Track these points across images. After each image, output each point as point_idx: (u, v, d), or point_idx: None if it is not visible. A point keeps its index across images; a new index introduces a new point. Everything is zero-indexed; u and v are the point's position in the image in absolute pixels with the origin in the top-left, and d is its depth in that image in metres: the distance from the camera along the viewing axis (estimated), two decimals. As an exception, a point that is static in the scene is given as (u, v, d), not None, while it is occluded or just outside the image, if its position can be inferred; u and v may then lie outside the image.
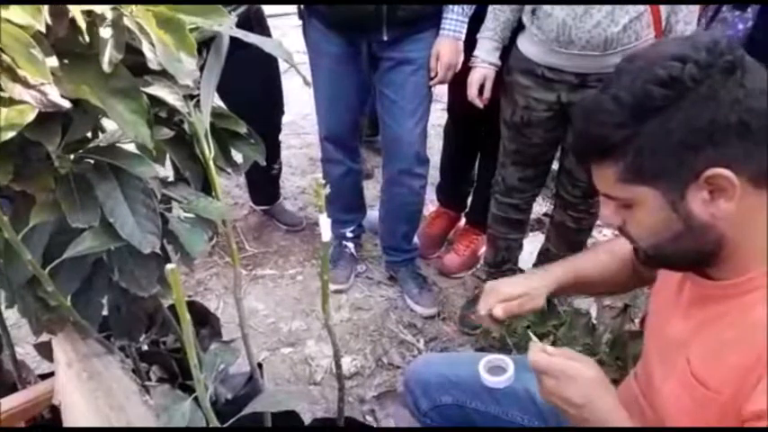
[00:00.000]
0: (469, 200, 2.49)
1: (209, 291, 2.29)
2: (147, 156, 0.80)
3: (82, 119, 0.75)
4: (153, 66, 0.69)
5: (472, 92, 1.77)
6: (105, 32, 0.66)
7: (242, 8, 0.99)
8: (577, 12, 1.53)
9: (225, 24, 0.78)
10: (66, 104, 0.64)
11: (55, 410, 1.07)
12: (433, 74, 1.87)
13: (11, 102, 0.63)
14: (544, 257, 2.15)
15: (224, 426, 0.91)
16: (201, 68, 0.80)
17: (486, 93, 1.78)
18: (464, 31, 1.82)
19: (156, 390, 0.88)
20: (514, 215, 2.00)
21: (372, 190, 2.70)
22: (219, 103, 1.63)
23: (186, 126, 0.86)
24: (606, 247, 1.16)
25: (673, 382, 0.84)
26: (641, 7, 1.52)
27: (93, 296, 0.91)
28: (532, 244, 2.30)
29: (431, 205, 2.59)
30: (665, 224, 0.76)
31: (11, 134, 0.63)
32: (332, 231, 0.94)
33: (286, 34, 3.39)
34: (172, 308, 1.07)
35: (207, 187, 0.92)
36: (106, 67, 0.67)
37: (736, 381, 0.73)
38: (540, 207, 2.65)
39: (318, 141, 2.20)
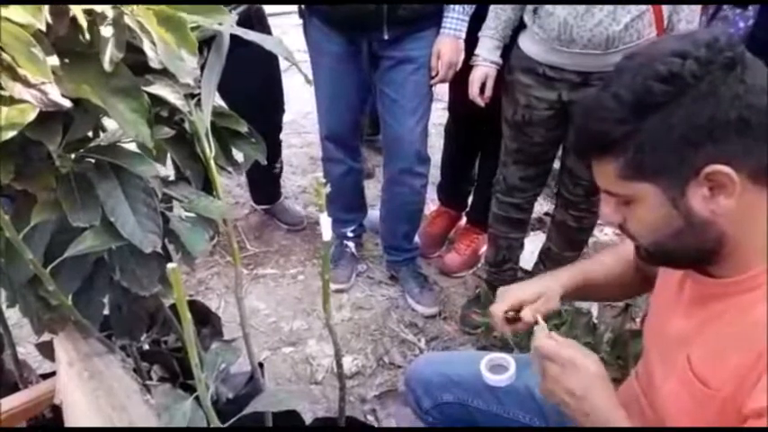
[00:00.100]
0: (470, 199, 2.48)
1: (210, 290, 2.29)
2: (147, 155, 0.80)
3: (83, 118, 0.75)
4: (154, 64, 0.69)
5: (473, 91, 1.77)
6: (106, 31, 0.66)
7: (242, 7, 0.99)
8: (579, 10, 1.53)
9: (226, 23, 0.78)
10: (67, 104, 0.64)
11: (56, 410, 1.07)
12: (433, 73, 1.87)
13: (11, 101, 0.62)
14: (545, 257, 2.15)
15: (225, 425, 0.91)
16: (202, 67, 0.80)
17: (488, 91, 1.77)
18: (465, 29, 1.82)
19: (157, 389, 0.88)
20: (516, 214, 2.00)
21: (373, 189, 2.69)
22: (220, 101, 1.63)
23: (187, 125, 0.86)
24: (610, 251, 1.17)
25: (673, 381, 0.84)
26: (643, 6, 1.52)
27: (95, 295, 0.91)
28: (534, 243, 2.30)
29: (432, 204, 2.58)
30: (665, 221, 0.76)
31: (12, 133, 0.63)
32: (333, 231, 0.94)
33: (287, 33, 3.38)
34: (173, 307, 1.07)
35: (208, 186, 0.92)
36: (107, 66, 0.66)
37: (737, 379, 0.73)
38: (542, 206, 2.65)
39: (319, 140, 2.20)
